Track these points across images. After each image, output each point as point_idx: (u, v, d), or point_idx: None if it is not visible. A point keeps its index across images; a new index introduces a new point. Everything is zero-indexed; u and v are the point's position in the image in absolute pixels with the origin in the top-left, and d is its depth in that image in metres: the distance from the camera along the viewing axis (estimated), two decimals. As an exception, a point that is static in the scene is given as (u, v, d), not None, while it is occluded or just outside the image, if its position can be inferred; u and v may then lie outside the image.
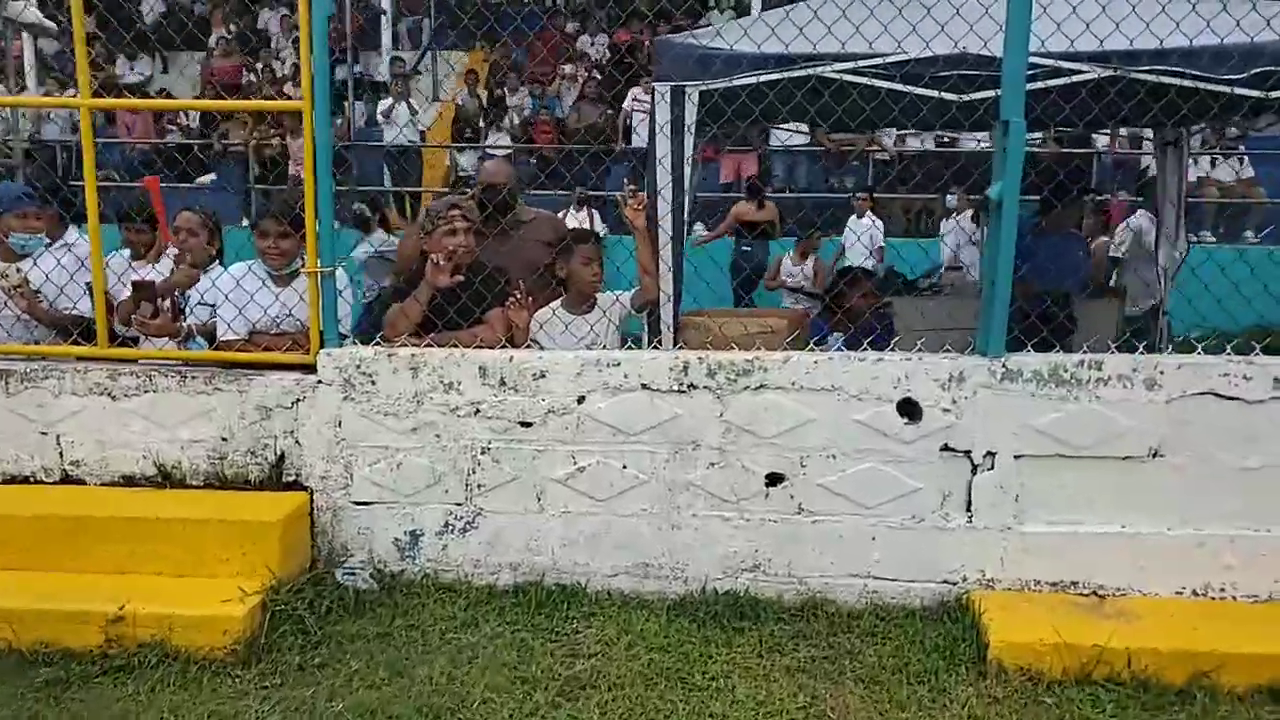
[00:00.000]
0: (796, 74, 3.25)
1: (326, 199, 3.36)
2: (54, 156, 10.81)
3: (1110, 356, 3.20)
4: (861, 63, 3.21)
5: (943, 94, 3.23)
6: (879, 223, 9.56)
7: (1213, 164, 10.68)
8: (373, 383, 3.36)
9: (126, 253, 4.29)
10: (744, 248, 9.41)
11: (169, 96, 12.67)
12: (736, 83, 3.29)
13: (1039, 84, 3.16)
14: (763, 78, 3.27)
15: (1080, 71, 3.20)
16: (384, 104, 11.80)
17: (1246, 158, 10.63)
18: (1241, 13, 3.15)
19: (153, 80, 13.62)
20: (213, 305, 3.59)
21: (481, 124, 11.48)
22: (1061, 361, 3.20)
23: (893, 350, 3.35)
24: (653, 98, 3.39)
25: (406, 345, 3.45)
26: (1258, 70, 3.16)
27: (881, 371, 3.26)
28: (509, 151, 11.33)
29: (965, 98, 3.28)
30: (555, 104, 11.88)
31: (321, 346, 3.42)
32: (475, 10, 13.93)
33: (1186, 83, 3.18)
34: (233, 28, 13.29)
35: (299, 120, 9.70)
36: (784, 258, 8.78)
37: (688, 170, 3.46)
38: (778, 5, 4.39)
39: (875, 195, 9.70)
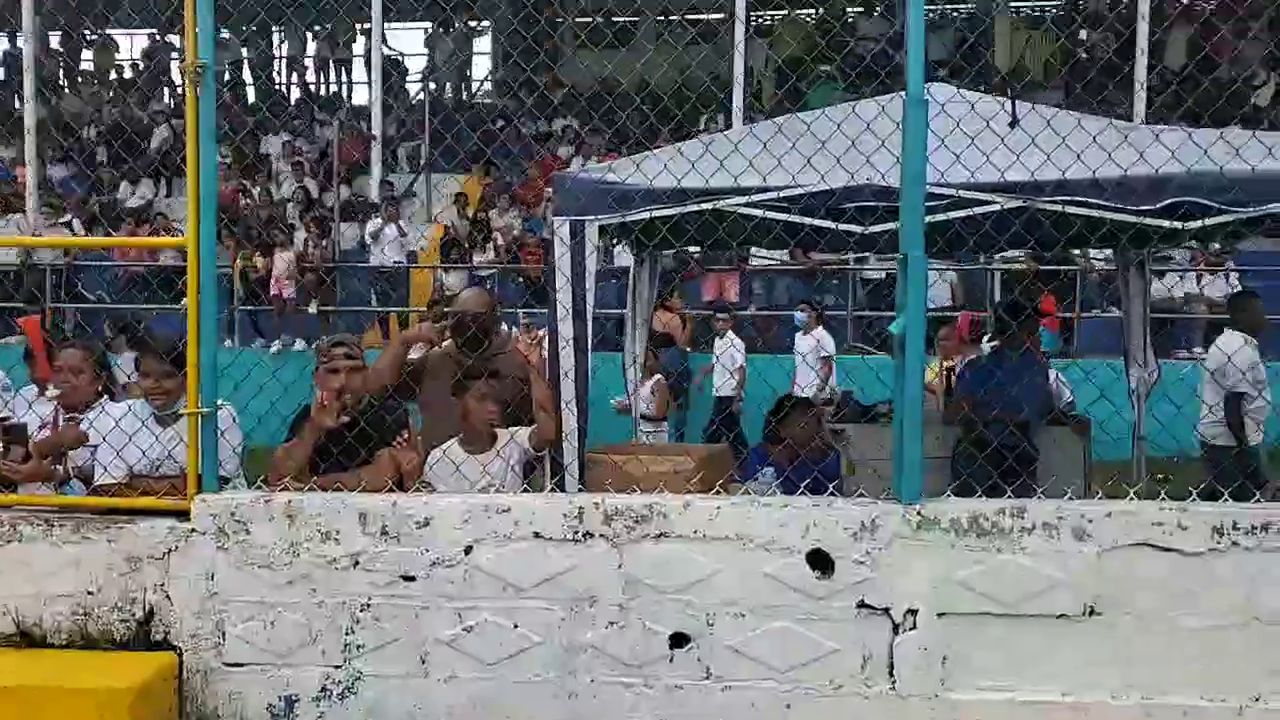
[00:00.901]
0: (692, 208, 3.14)
1: (209, 335, 3.23)
2: (43, 278, 10.96)
3: (1034, 503, 2.96)
4: (758, 195, 3.10)
5: (840, 226, 3.11)
6: (738, 343, 9.35)
7: (1199, 280, 10.55)
8: (247, 531, 3.15)
9: (33, 389, 4.17)
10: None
11: (166, 219, 12.93)
12: (632, 218, 3.19)
13: (940, 215, 3.03)
14: (660, 212, 3.16)
15: (986, 202, 3.07)
16: (372, 225, 11.96)
17: (1234, 274, 10.50)
18: (1145, 143, 3.03)
19: (153, 204, 13.92)
20: (92, 447, 3.43)
21: (467, 245, 11.58)
22: (981, 509, 2.96)
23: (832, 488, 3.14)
24: (552, 231, 3.29)
25: (288, 489, 3.26)
26: (1171, 201, 3.02)
27: (789, 519, 3.02)
28: (492, 272, 11.40)
29: (865, 229, 3.15)
30: (539, 225, 12.00)
31: (198, 491, 3.23)
32: (473, 136, 14.32)
33: (1095, 213, 3.04)
34: (230, 155, 13.65)
35: (288, 238, 9.75)
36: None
37: (589, 301, 3.33)
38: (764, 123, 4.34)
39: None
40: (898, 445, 3.01)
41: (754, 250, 10.43)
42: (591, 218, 3.24)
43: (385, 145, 15.73)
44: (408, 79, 17.57)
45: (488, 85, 18.11)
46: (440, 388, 3.53)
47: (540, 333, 3.42)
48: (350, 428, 3.30)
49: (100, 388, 3.67)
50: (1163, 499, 2.94)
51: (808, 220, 3.14)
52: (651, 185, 3.15)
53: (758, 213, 3.15)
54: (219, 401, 3.25)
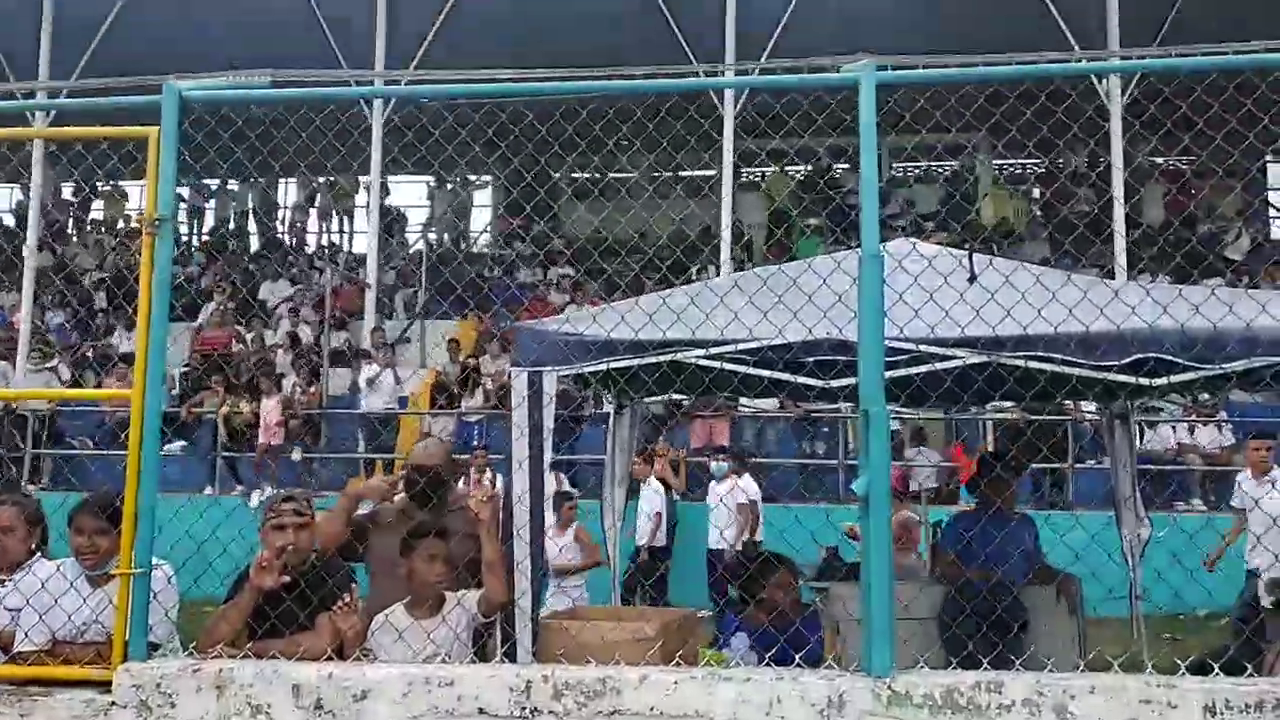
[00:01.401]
0: (650, 360, 3.08)
1: (150, 488, 3.10)
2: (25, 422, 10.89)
3: (1013, 677, 2.75)
4: (716, 349, 3.05)
5: (798, 379, 3.04)
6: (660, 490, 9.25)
7: (1191, 431, 10.45)
8: (173, 704, 2.92)
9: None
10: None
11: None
12: (589, 369, 3.13)
13: (900, 371, 2.96)
14: (617, 364, 3.10)
15: (948, 357, 3.01)
16: (367, 371, 11.96)
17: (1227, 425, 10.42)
18: (1104, 299, 2.99)
19: (148, 350, 13.99)
20: (15, 610, 3.24)
21: (457, 390, 11.56)
22: (957, 683, 2.75)
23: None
24: (509, 383, 3.22)
25: (221, 657, 3.05)
26: (1137, 357, 2.96)
27: (751, 694, 2.81)
28: (480, 418, 11.33)
29: (825, 383, 3.08)
30: (529, 372, 12.00)
31: (124, 660, 3.02)
32: (468, 283, 14.56)
33: (1060, 369, 2.97)
34: (231, 302, 13.86)
35: (274, 383, 9.67)
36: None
37: (546, 454, 3.22)
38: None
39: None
40: (866, 612, 2.84)
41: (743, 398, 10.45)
42: (548, 368, 3.18)
43: (384, 292, 16.04)
44: (408, 228, 18.06)
45: (486, 235, 18.59)
46: (390, 546, 3.36)
47: (490, 487, 3.29)
48: (290, 589, 3.13)
49: (33, 546, 3.51)
50: (1150, 673, 2.74)
51: (765, 373, 3.08)
52: (609, 337, 3.11)
53: (715, 365, 3.09)
54: (155, 560, 3.09)
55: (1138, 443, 10.69)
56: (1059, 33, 11.58)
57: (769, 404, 10.62)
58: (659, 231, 14.89)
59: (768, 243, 16.48)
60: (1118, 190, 11.84)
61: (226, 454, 10.77)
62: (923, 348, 2.96)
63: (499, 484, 8.91)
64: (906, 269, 2.98)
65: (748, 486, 8.99)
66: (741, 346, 3.04)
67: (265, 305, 14.99)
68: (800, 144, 16.80)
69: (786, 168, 18.73)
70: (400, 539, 3.26)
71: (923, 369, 3.01)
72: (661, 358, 3.07)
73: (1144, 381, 2.96)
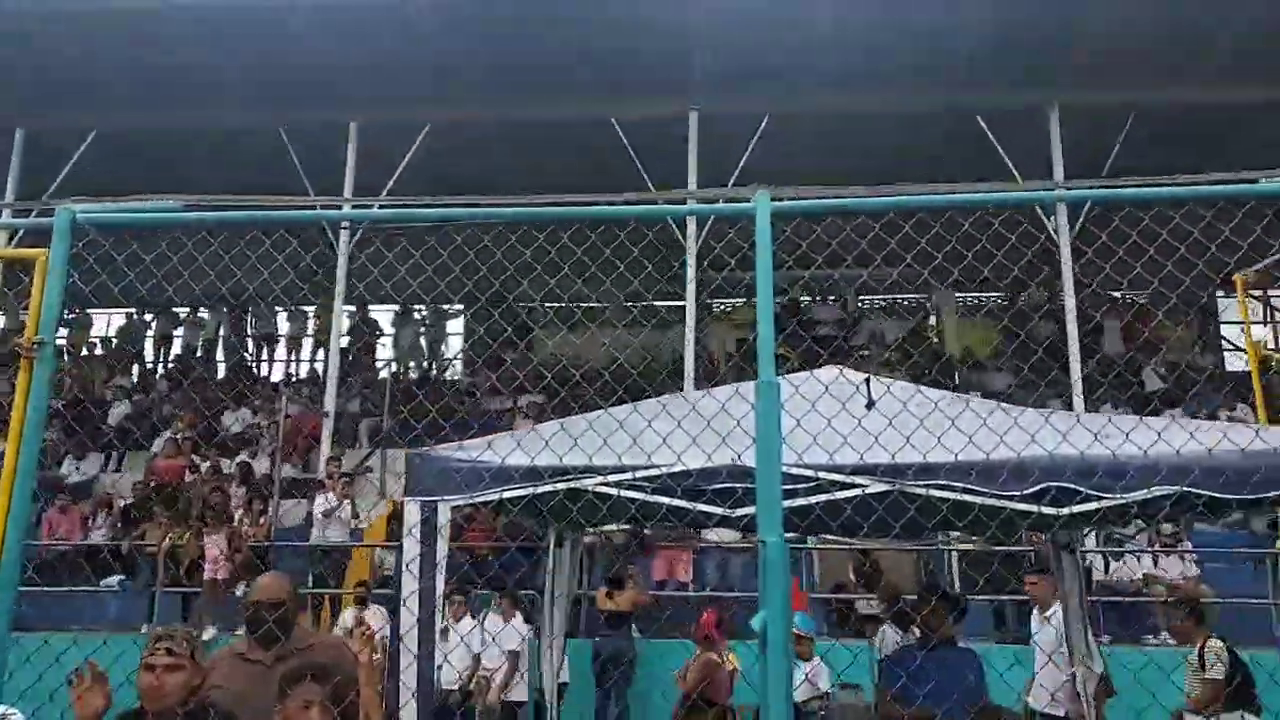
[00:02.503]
0: (545, 489, 2.97)
1: (4, 617, 2.90)
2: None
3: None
4: (615, 475, 2.96)
5: (698, 507, 2.94)
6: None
7: (1155, 561, 10.27)
8: None
9: None
10: (599, 635, 9.19)
11: (109, 495, 12.68)
12: (481, 498, 3.01)
13: (800, 500, 2.86)
14: (511, 493, 2.99)
15: (849, 485, 2.93)
16: (321, 502, 11.66)
17: (1189, 556, 10.25)
18: (1004, 428, 2.94)
19: (98, 479, 13.71)
20: None
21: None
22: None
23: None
24: (403, 513, 3.09)
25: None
26: (1040, 486, 2.88)
27: None
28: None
29: (724, 512, 2.98)
30: (487, 501, 11.75)
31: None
32: (429, 413, 14.44)
33: (965, 497, 2.88)
34: (192, 431, 13.66)
35: (222, 516, 9.36)
36: None
37: (439, 584, 3.06)
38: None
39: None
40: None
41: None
42: (440, 498, 3.06)
43: (349, 421, 15.88)
44: (376, 357, 18.07)
45: (458, 363, 18.61)
46: (238, 695, 3.05)
47: (370, 626, 3.09)
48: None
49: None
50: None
51: (664, 500, 2.98)
52: (503, 463, 3.02)
53: (613, 492, 2.98)
54: (3, 709, 2.86)
55: (1106, 574, 10.56)
56: (1008, 172, 12.00)
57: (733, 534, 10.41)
58: (630, 360, 15.00)
59: (732, 369, 16.56)
60: (1070, 321, 12.00)
61: (169, 589, 10.35)
62: (822, 475, 2.87)
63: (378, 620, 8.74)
64: (804, 395, 2.92)
65: (519, 626, 8.83)
66: (640, 474, 2.95)
67: (227, 434, 14.80)
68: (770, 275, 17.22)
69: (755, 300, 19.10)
70: (276, 685, 3.02)
71: (822, 497, 2.92)
72: (556, 485, 2.97)
73: (1046, 510, 2.87)
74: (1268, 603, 9.43)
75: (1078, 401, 11.83)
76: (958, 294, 19.03)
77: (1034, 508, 2.92)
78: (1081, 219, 12.05)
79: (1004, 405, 3.70)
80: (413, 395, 15.41)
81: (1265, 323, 16.29)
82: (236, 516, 11.14)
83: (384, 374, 16.58)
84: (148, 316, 17.82)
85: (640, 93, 12.28)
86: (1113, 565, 10.34)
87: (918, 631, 5.03)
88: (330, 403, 12.24)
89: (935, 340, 17.71)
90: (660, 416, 3.00)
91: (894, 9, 11.03)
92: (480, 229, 8.90)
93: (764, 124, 12.17)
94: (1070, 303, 11.95)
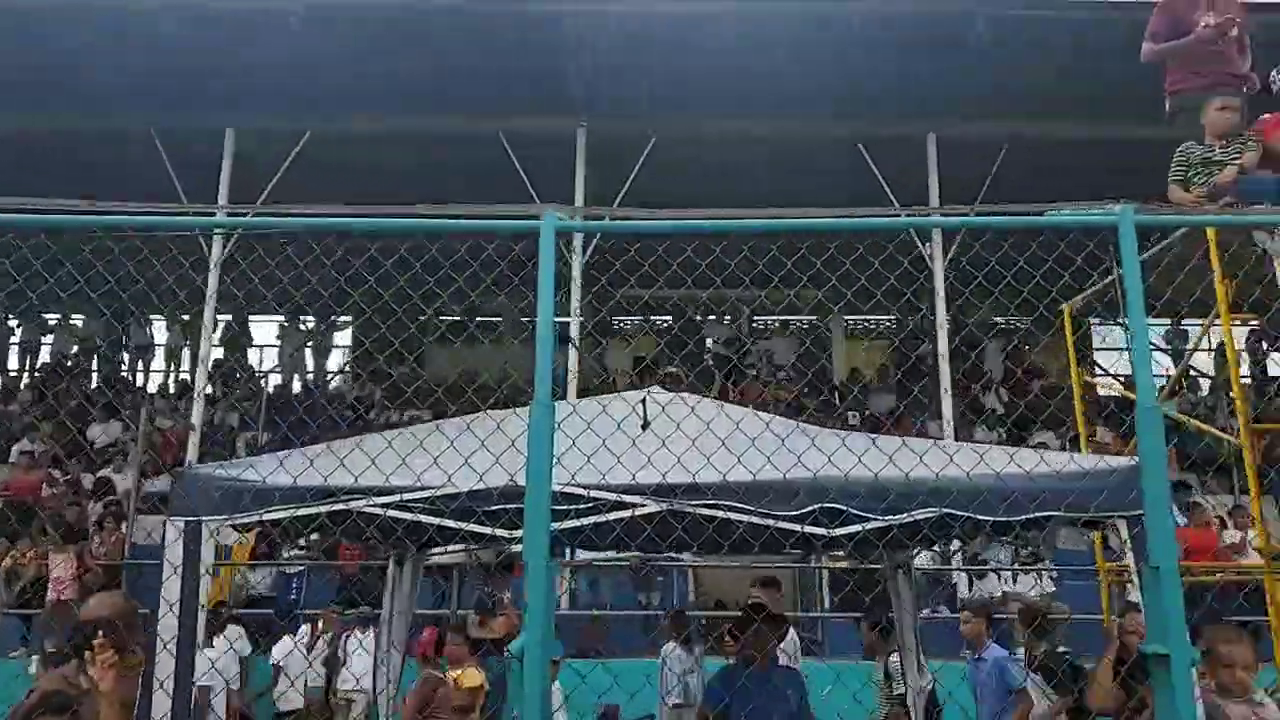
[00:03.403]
0: (309, 510, 2.87)
1: None
2: None
3: None
4: (381, 498, 2.87)
5: (468, 527, 2.88)
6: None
7: (1014, 579, 10.61)
8: None
9: None
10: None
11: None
12: (240, 520, 2.89)
13: (570, 521, 2.83)
14: (272, 515, 2.88)
15: (625, 505, 2.90)
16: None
17: (1047, 573, 10.63)
18: (802, 447, 2.96)
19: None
20: None
21: (279, 540, 10.89)
22: None
23: None
24: (163, 535, 2.94)
25: None
26: (824, 505, 2.91)
27: None
28: (302, 568, 10.67)
29: (508, 535, 2.93)
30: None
31: None
32: (317, 424, 14.03)
33: (751, 519, 2.89)
34: (47, 445, 12.99)
35: (73, 534, 8.88)
36: None
37: (200, 598, 2.92)
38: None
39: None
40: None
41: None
42: (201, 518, 2.93)
43: (226, 435, 15.32)
44: (259, 369, 17.54)
45: (341, 376, 18.18)
46: None
47: (112, 653, 2.91)
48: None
49: None
50: None
51: (433, 520, 2.91)
52: (264, 483, 2.91)
53: (380, 513, 2.90)
54: None
55: (970, 591, 10.85)
56: (888, 199, 12.31)
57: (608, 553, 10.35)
58: (521, 375, 14.84)
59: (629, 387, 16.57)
60: (941, 344, 12.36)
61: (9, 612, 9.77)
62: (593, 494, 2.84)
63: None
64: (582, 415, 2.89)
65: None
66: (409, 495, 2.87)
67: (93, 447, 14.12)
68: (662, 293, 17.35)
69: (653, 316, 19.24)
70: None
71: (593, 519, 2.89)
72: (319, 508, 2.87)
73: (812, 531, 2.89)
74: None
75: (947, 428, 12.17)
76: (850, 316, 19.48)
77: (819, 530, 2.93)
78: (955, 245, 12.45)
79: (804, 426, 3.74)
80: (294, 408, 14.99)
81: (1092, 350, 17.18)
82: (90, 533, 10.62)
83: (266, 386, 16.08)
84: (12, 322, 16.94)
85: (528, 108, 12.25)
86: (975, 584, 10.65)
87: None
88: (198, 415, 11.76)
89: (825, 361, 18.04)
90: (433, 436, 2.93)
91: (779, 37, 11.25)
92: (370, 240, 8.68)
93: (651, 144, 12.26)
94: (941, 332, 12.30)
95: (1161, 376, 15.36)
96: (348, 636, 9.12)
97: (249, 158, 12.11)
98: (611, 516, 2.88)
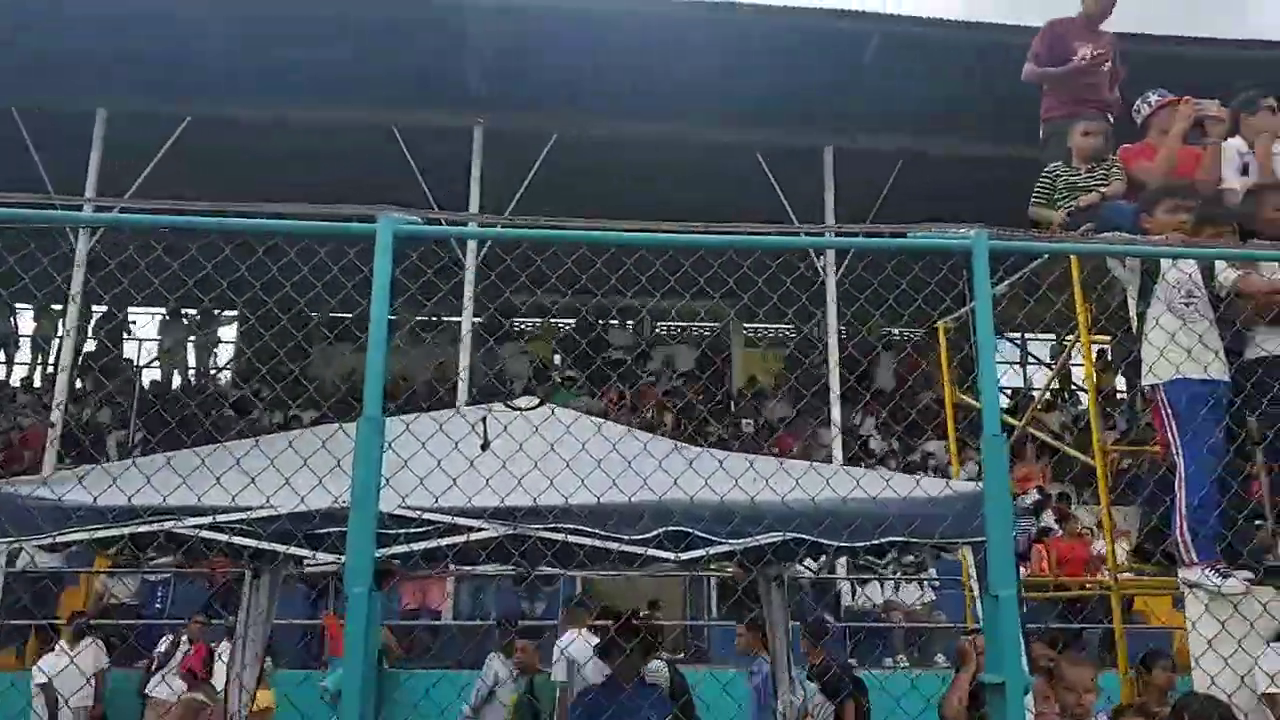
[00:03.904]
0: (111, 532, 2.63)
1: None
2: None
3: None
4: (193, 519, 2.65)
5: (289, 550, 2.68)
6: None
7: (897, 588, 10.82)
8: None
9: None
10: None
11: None
12: (36, 541, 2.63)
13: (399, 546, 2.65)
14: (69, 536, 2.62)
15: (464, 528, 2.75)
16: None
17: (928, 583, 10.87)
18: (649, 470, 2.85)
19: None
20: None
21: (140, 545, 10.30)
22: None
23: None
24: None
25: None
26: (669, 529, 2.81)
27: None
28: (167, 575, 10.12)
29: (336, 559, 2.74)
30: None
31: None
32: (193, 424, 13.36)
33: (594, 542, 2.77)
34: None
35: None
36: None
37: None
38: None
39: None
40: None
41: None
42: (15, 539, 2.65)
43: (97, 432, 14.50)
44: (137, 365, 16.69)
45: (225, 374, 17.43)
46: None
47: None
48: None
49: None
50: None
51: (248, 543, 2.70)
52: (61, 502, 2.65)
53: (191, 533, 2.68)
54: None
55: (848, 599, 11.03)
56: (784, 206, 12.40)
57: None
58: (417, 378, 14.45)
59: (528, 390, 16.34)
60: (832, 354, 12.55)
61: None
62: (427, 516, 2.68)
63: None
64: (416, 434, 2.73)
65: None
66: (223, 517, 2.65)
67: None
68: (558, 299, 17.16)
69: (555, 320, 19.05)
70: None
71: (423, 544, 2.73)
72: (122, 529, 2.63)
73: (657, 554, 2.80)
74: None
75: (837, 444, 12.35)
76: (749, 324, 19.66)
77: (664, 554, 2.84)
78: (848, 257, 12.64)
79: (682, 446, 3.63)
80: (170, 406, 14.28)
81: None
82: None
83: (140, 382, 15.27)
84: None
85: (424, 102, 11.94)
86: (857, 591, 10.81)
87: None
88: (56, 411, 11.05)
89: (723, 368, 18.13)
90: (252, 454, 2.72)
91: (681, 43, 11.21)
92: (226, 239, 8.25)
93: (551, 144, 12.09)
94: (833, 340, 12.49)
95: (1037, 390, 16.00)
96: (214, 650, 8.68)
97: (121, 143, 11.43)
98: (446, 541, 2.72)
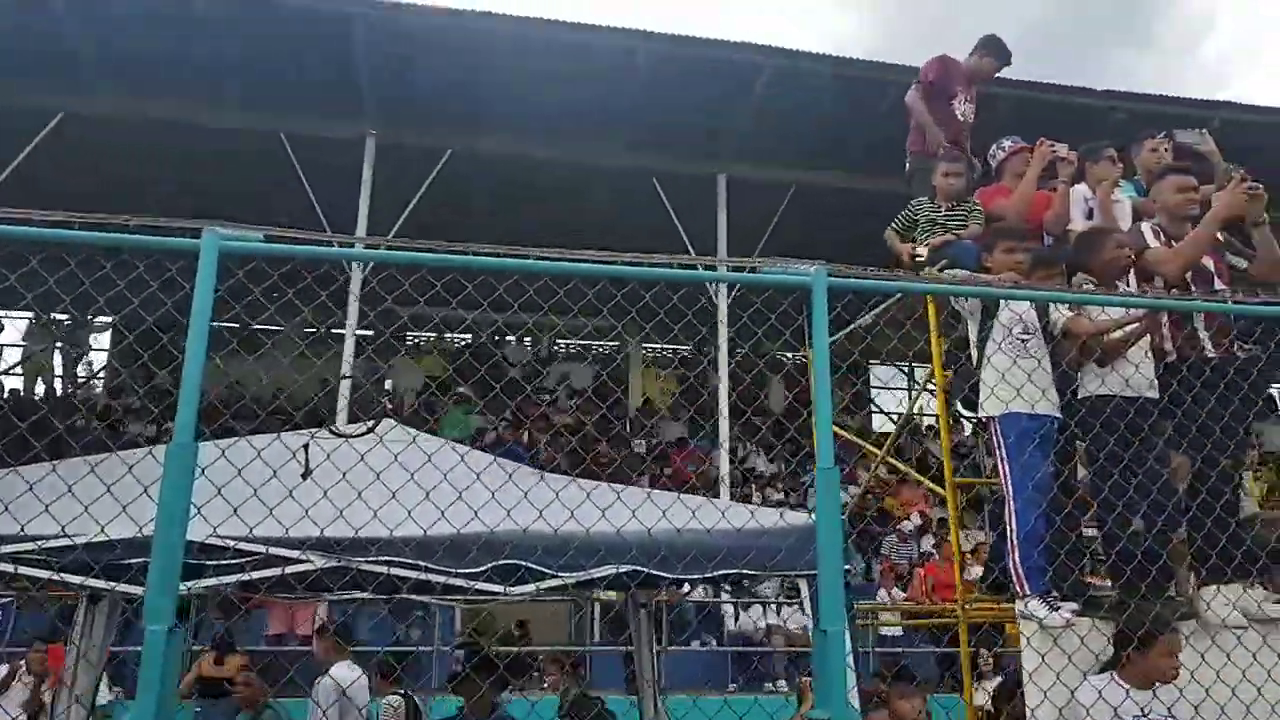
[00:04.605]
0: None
1: None
2: None
3: None
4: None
5: (91, 581, 2.52)
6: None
7: (779, 610, 10.94)
8: None
9: None
10: (197, 709, 8.18)
11: None
12: None
13: (208, 579, 2.51)
14: None
15: (289, 560, 2.62)
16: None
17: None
18: (480, 501, 2.78)
19: None
20: None
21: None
22: None
23: None
24: None
25: None
26: (499, 562, 2.74)
27: None
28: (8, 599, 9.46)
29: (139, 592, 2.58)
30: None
31: None
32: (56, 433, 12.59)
33: (420, 575, 2.67)
34: None
35: None
36: None
37: None
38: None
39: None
40: None
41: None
42: None
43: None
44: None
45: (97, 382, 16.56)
46: None
47: None
48: None
49: None
50: None
51: (42, 575, 2.52)
52: None
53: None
54: None
55: (732, 624, 11.10)
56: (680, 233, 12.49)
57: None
58: (301, 392, 13.97)
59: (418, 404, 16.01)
60: (723, 379, 12.70)
61: None
62: (241, 547, 2.55)
63: None
64: (231, 460, 2.59)
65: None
66: (9, 548, 2.46)
67: None
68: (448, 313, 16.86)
69: (450, 335, 18.73)
70: None
71: (236, 577, 2.59)
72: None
73: (485, 589, 2.73)
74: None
75: (724, 465, 12.47)
76: (647, 345, 19.75)
77: (494, 587, 2.76)
78: (738, 286, 12.81)
79: (519, 475, 3.56)
80: (33, 413, 13.45)
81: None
82: None
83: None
84: None
85: (315, 110, 11.64)
86: (741, 616, 10.89)
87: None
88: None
89: (619, 389, 18.14)
90: (48, 479, 2.54)
91: (580, 65, 11.20)
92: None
93: (444, 160, 11.92)
94: (723, 367, 12.63)
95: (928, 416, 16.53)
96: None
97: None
98: (260, 574, 2.59)
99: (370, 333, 16.70)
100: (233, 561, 2.56)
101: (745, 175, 13.10)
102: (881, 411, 20.47)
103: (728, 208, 13.08)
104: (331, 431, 3.41)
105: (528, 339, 19.26)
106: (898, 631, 10.53)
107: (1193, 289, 4.26)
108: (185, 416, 2.51)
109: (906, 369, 20.15)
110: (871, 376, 20.70)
